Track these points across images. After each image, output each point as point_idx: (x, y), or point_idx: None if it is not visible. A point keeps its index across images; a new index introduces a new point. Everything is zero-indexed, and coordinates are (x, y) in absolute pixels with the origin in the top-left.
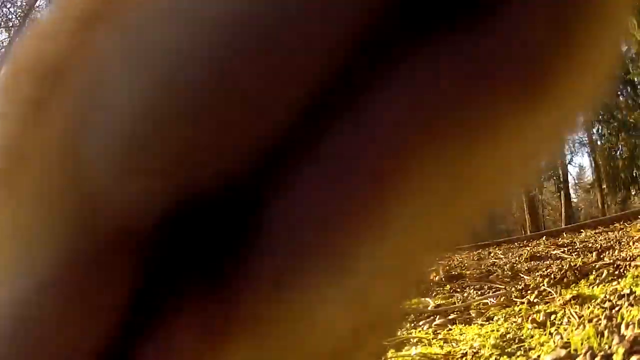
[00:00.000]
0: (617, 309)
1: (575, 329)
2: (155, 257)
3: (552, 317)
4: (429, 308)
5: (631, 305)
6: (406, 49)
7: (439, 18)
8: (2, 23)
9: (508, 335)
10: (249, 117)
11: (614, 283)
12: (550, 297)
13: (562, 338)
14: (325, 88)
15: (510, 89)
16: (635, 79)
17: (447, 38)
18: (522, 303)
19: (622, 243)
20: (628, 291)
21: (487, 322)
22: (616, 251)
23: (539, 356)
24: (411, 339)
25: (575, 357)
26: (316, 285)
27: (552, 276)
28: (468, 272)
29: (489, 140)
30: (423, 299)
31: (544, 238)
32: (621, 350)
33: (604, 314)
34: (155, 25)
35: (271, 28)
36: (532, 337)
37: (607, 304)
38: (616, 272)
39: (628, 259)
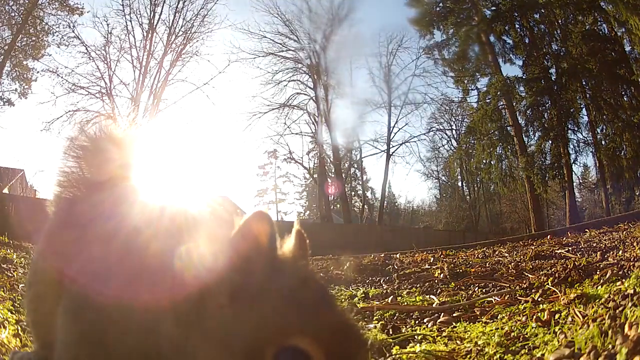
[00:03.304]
0: (621, 309)
1: (579, 328)
2: None
3: (556, 316)
4: (434, 305)
5: (635, 305)
6: None
7: None
8: (5, 20)
9: (512, 334)
10: None
11: (618, 283)
12: (555, 296)
13: (566, 337)
14: None
15: None
16: (639, 80)
17: None
18: (527, 301)
19: (626, 243)
20: (632, 291)
21: (492, 320)
22: (620, 251)
23: (542, 355)
24: (416, 336)
25: (579, 357)
26: None
27: (557, 275)
28: (473, 270)
29: None
30: (428, 296)
31: (548, 237)
32: (624, 350)
33: (607, 314)
34: None
35: None
36: (536, 335)
37: (611, 304)
38: (620, 272)
39: (632, 259)
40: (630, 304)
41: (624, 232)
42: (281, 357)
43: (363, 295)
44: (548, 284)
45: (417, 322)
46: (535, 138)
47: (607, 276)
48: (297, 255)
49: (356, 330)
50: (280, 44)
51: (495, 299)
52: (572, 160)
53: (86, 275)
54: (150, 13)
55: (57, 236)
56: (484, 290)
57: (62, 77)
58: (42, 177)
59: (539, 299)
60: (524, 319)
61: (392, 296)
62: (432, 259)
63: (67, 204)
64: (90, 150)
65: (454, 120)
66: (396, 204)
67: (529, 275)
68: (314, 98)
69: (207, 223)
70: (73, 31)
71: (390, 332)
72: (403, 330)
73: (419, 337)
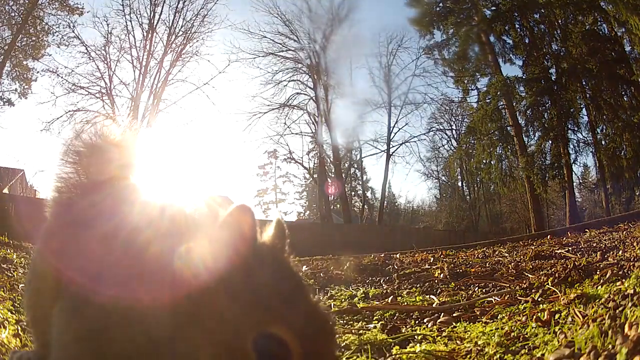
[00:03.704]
0: (621, 309)
1: (579, 328)
2: None
3: (556, 316)
4: (434, 305)
5: (635, 305)
6: None
7: None
8: (5, 20)
9: (512, 334)
10: None
11: (618, 283)
12: (555, 296)
13: (566, 337)
14: None
15: None
16: (639, 80)
17: None
18: (527, 301)
19: (626, 243)
20: (632, 291)
21: (492, 320)
22: (620, 251)
23: (542, 355)
24: (416, 336)
25: (579, 357)
26: None
27: (557, 275)
28: (473, 270)
29: None
30: (428, 296)
31: (548, 237)
32: (624, 350)
33: (607, 314)
34: None
35: None
36: (536, 335)
37: (611, 304)
38: (620, 272)
39: (632, 259)
40: (630, 304)
41: (624, 232)
42: (260, 344)
43: (363, 295)
44: (548, 284)
45: (417, 322)
46: (535, 138)
47: (607, 276)
48: (276, 245)
49: (327, 319)
50: (280, 44)
51: (495, 299)
52: (572, 160)
53: (85, 274)
54: (150, 13)
55: (56, 235)
56: (484, 290)
57: (62, 77)
58: (42, 177)
59: (539, 299)
60: (524, 319)
61: (392, 296)
62: (432, 259)
63: (66, 204)
64: (86, 156)
65: (454, 120)
66: (396, 204)
67: (529, 275)
68: (314, 98)
69: (207, 223)
70: (73, 31)
71: (390, 332)
72: (403, 330)
73: (419, 337)
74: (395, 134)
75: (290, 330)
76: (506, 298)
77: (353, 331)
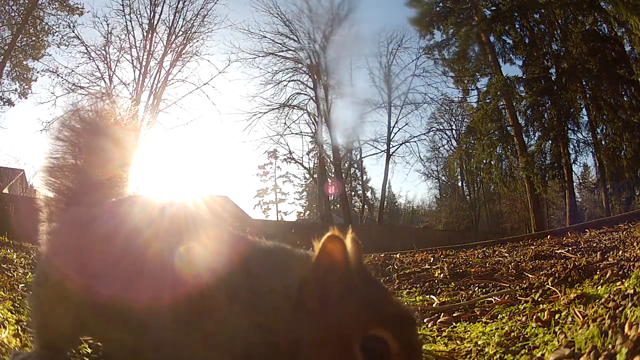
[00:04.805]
0: (621, 309)
1: (579, 328)
2: None
3: (556, 316)
4: (434, 305)
5: (635, 305)
6: None
7: None
8: (5, 20)
9: (512, 334)
10: None
11: (618, 283)
12: (555, 296)
13: (566, 337)
14: None
15: None
16: (639, 80)
17: None
18: (527, 302)
19: (626, 243)
20: (632, 291)
21: (492, 320)
22: (620, 251)
23: (542, 355)
24: None
25: (579, 357)
26: None
27: (557, 275)
28: (473, 270)
29: None
30: (428, 296)
31: (548, 237)
32: (624, 350)
33: (607, 314)
34: None
35: None
36: (536, 335)
37: (611, 304)
38: (620, 272)
39: (632, 259)
40: (630, 304)
41: (624, 232)
42: (366, 343)
43: None
44: (548, 284)
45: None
46: (535, 138)
47: (607, 276)
48: (357, 261)
49: (412, 315)
50: (280, 44)
51: (495, 299)
52: (572, 160)
53: (89, 276)
54: (150, 13)
55: (61, 237)
56: (484, 290)
57: (62, 77)
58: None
59: (539, 299)
60: (524, 319)
61: None
62: (432, 259)
63: (68, 200)
64: (81, 133)
65: (454, 120)
66: (396, 204)
67: (529, 275)
68: (314, 98)
69: (207, 223)
70: (73, 31)
71: None
72: None
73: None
74: (395, 134)
75: (387, 330)
76: (506, 298)
77: None
